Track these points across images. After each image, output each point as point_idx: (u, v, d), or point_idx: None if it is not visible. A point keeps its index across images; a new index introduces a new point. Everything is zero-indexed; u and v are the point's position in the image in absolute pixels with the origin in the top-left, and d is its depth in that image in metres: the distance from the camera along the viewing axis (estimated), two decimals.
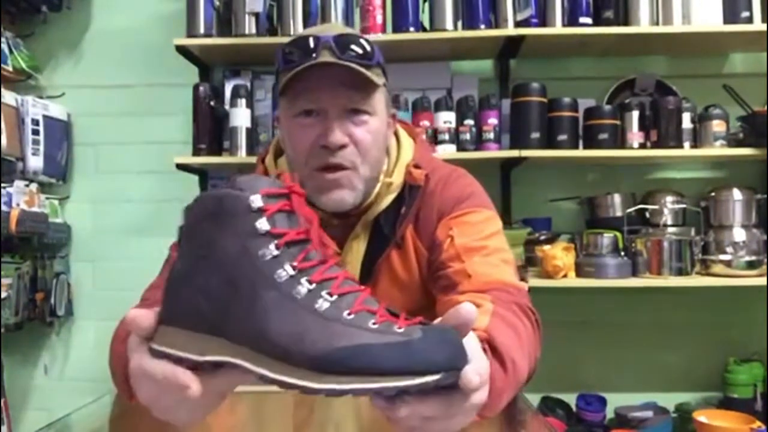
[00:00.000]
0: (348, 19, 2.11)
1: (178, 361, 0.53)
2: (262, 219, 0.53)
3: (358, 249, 1.00)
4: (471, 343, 0.55)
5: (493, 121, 2.09)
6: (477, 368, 0.50)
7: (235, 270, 0.52)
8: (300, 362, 0.49)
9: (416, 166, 0.99)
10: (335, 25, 1.07)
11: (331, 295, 0.52)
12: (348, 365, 0.48)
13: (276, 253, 0.52)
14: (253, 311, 0.51)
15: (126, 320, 0.56)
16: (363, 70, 0.88)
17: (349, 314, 0.51)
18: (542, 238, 2.15)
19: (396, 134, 1.05)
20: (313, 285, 0.52)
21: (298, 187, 0.56)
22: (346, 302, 0.52)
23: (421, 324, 0.52)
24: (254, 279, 0.52)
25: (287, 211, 0.55)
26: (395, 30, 2.10)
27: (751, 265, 2.07)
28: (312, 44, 0.87)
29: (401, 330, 0.50)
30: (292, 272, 0.52)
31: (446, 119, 2.08)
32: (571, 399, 2.23)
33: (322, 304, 0.51)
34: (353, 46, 0.88)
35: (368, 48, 0.89)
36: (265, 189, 0.54)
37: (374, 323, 0.50)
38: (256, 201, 0.53)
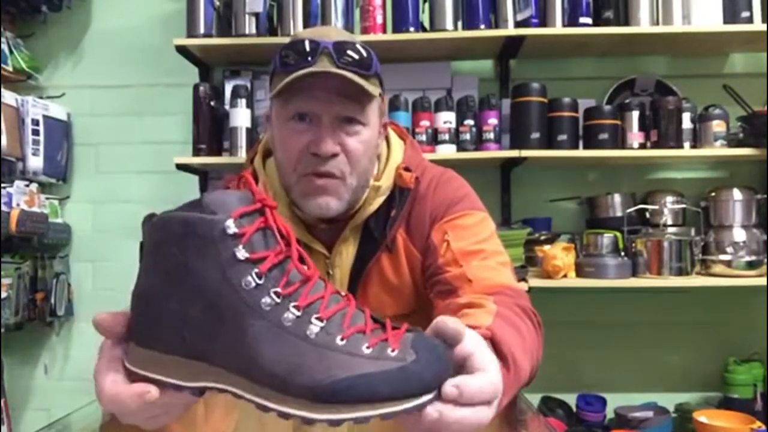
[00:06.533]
0: (348, 19, 2.11)
1: (163, 386, 0.53)
2: (239, 246, 0.51)
3: (347, 253, 0.99)
4: (477, 340, 0.55)
5: (493, 121, 2.09)
6: (457, 381, 0.51)
7: (216, 298, 0.51)
8: (298, 393, 0.49)
9: (406, 169, 0.98)
10: (335, 30, 1.06)
11: (320, 319, 0.51)
12: (347, 396, 0.48)
13: (259, 281, 0.51)
14: (243, 340, 0.50)
15: (93, 322, 0.57)
16: (360, 80, 0.86)
17: (342, 339, 0.50)
18: (542, 238, 2.15)
19: (386, 136, 1.03)
20: (301, 311, 0.51)
21: (270, 199, 0.54)
22: (336, 325, 0.51)
23: (408, 332, 0.52)
24: (239, 308, 0.51)
25: (263, 229, 0.53)
26: (395, 30, 2.09)
27: (751, 265, 2.07)
28: (310, 49, 0.86)
29: (395, 354, 0.50)
30: (277, 300, 0.51)
31: (446, 119, 2.08)
32: (571, 399, 2.23)
33: (313, 330, 0.50)
34: (352, 54, 0.86)
35: (366, 57, 0.88)
36: (237, 210, 0.52)
37: (368, 347, 0.50)
38: (231, 226, 0.51)
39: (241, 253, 0.51)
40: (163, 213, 0.54)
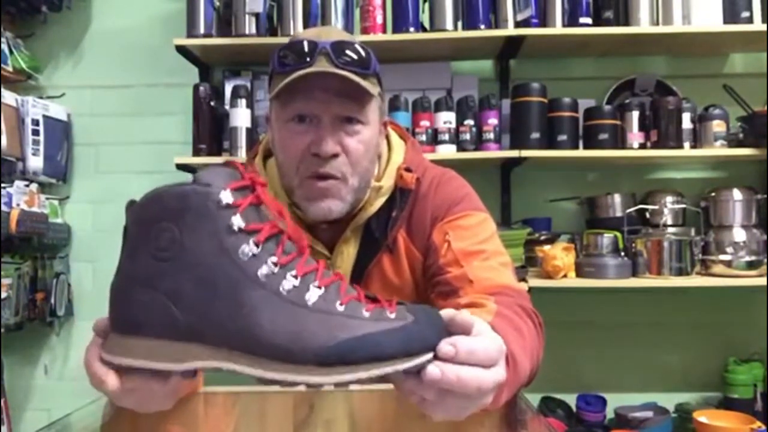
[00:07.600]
0: (348, 20, 2.11)
1: (155, 373, 0.52)
2: (236, 216, 0.51)
3: (348, 253, 0.99)
4: (481, 325, 0.56)
5: (493, 121, 2.09)
6: (452, 339, 0.52)
7: (212, 271, 0.50)
8: (303, 359, 0.49)
9: (407, 169, 0.98)
10: (333, 30, 1.05)
11: (318, 287, 0.52)
12: (353, 356, 0.49)
13: (256, 250, 0.51)
14: (240, 312, 0.50)
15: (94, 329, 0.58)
16: (359, 79, 0.86)
17: (341, 305, 0.51)
18: (542, 238, 2.15)
19: (386, 136, 1.04)
20: (299, 279, 0.51)
21: (258, 177, 0.54)
22: (334, 292, 0.52)
23: (399, 304, 0.53)
24: (237, 278, 0.50)
25: (255, 205, 0.53)
26: (395, 30, 2.10)
27: (751, 265, 2.06)
28: (308, 49, 0.86)
29: (393, 315, 0.51)
30: (275, 269, 0.51)
31: (446, 119, 2.08)
32: (571, 399, 2.23)
33: (312, 297, 0.51)
34: (350, 54, 0.86)
35: (365, 56, 0.88)
36: (232, 183, 0.52)
37: (366, 311, 0.51)
38: (226, 197, 0.51)
39: (238, 223, 0.51)
40: (150, 191, 0.53)
